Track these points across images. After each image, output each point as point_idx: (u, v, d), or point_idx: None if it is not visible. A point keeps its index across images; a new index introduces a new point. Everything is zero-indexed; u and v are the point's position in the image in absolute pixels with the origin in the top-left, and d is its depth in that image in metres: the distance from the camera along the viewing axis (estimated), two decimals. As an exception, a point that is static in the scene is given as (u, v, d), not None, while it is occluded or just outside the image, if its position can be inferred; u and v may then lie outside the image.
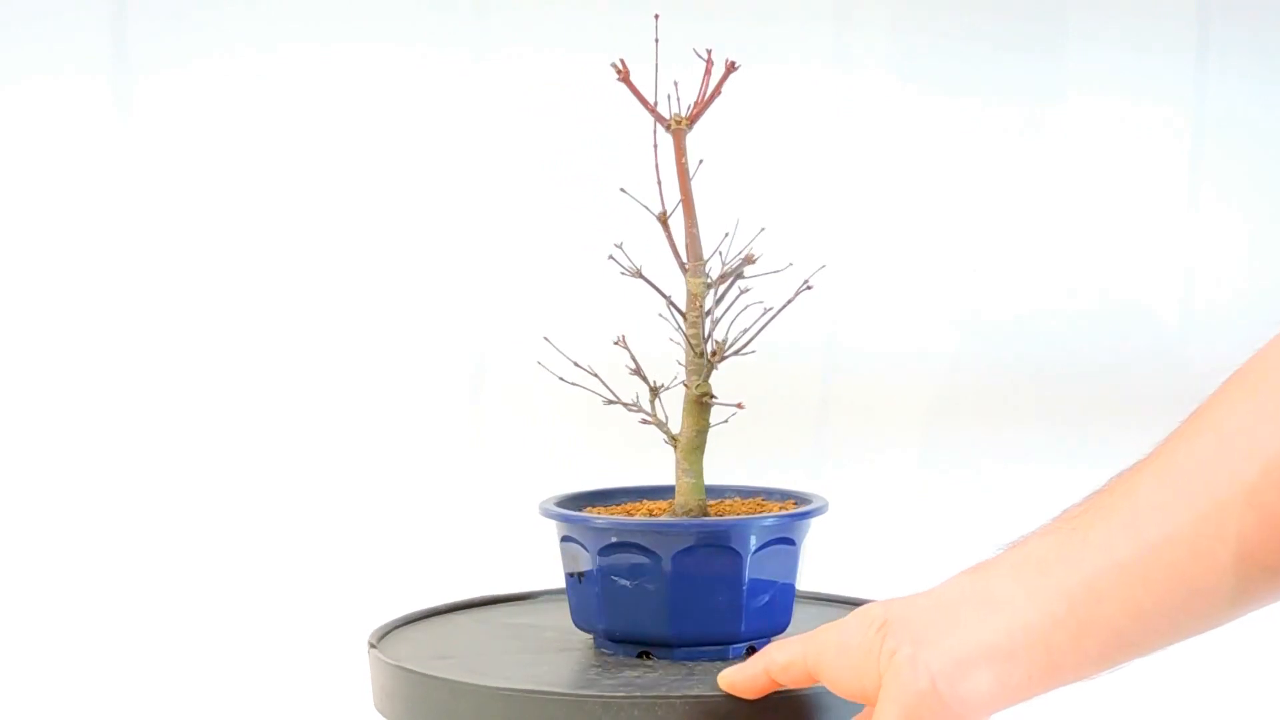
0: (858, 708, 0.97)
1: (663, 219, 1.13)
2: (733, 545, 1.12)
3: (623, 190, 1.08)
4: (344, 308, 1.48)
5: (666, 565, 1.12)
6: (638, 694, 1.03)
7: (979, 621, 0.89)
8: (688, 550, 1.11)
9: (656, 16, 1.05)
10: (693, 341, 1.14)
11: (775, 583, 1.15)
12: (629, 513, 1.20)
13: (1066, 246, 1.66)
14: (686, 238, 1.14)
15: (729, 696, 1.02)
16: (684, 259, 1.14)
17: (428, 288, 1.50)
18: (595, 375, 1.14)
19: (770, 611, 1.15)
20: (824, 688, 0.98)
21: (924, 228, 1.63)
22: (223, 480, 1.45)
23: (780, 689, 1.01)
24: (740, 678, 1.01)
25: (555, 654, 1.17)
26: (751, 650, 1.15)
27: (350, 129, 1.46)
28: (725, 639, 1.14)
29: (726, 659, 1.13)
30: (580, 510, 1.20)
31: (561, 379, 1.14)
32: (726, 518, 1.16)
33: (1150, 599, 0.86)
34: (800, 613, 1.21)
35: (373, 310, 1.48)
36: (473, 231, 1.50)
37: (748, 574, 1.12)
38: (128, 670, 1.38)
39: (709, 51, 1.08)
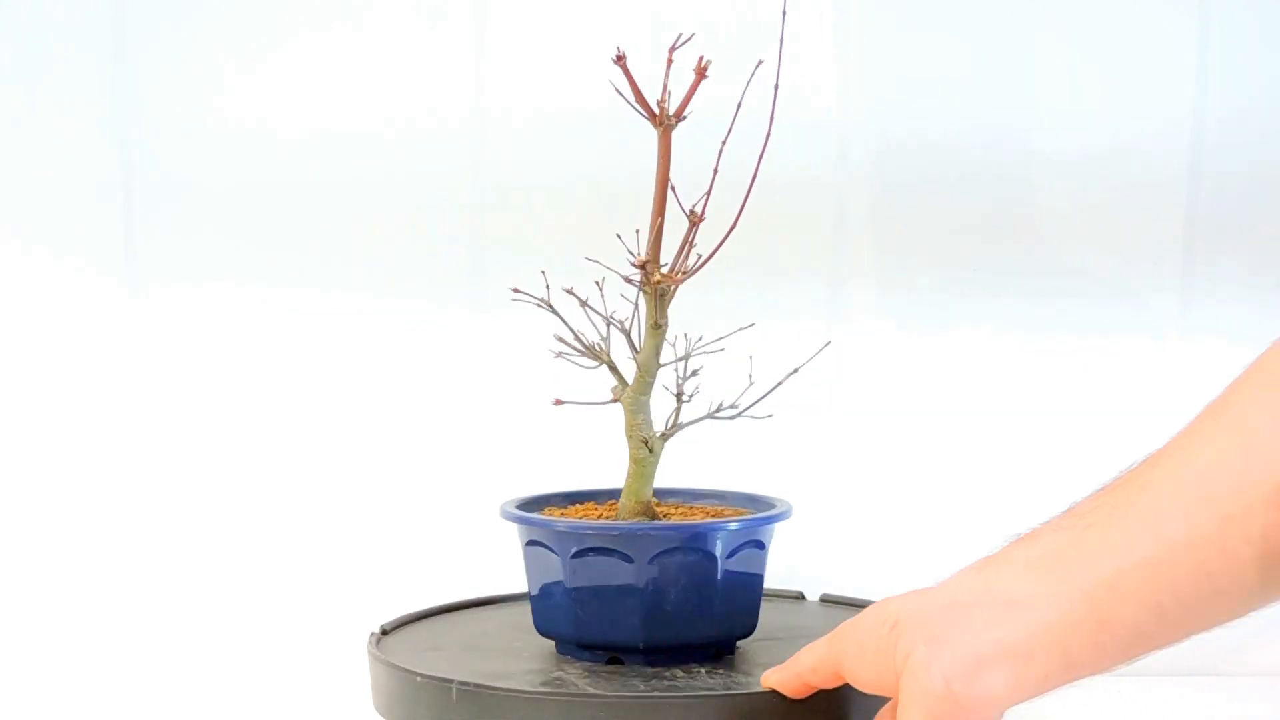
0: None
1: (692, 218, 1.11)
2: (625, 551, 1.11)
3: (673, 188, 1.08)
4: (345, 308, 1.51)
5: (567, 566, 1.12)
6: (636, 695, 1.03)
7: (994, 621, 0.88)
8: (583, 553, 1.11)
9: None
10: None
11: (695, 590, 1.12)
12: (601, 514, 1.20)
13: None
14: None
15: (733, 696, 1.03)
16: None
17: (425, 287, 1.52)
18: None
19: (686, 620, 1.12)
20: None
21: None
22: (220, 481, 1.49)
23: (818, 689, 1.02)
24: (778, 679, 1.03)
25: (555, 655, 1.17)
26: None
27: (346, 134, 1.50)
28: (627, 644, 1.13)
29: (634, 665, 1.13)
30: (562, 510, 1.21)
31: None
32: (619, 522, 1.14)
33: (1172, 597, 0.85)
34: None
35: (372, 312, 1.52)
36: (471, 233, 1.51)
37: (646, 581, 1.11)
38: (126, 672, 1.42)
39: (702, 60, 1.06)
